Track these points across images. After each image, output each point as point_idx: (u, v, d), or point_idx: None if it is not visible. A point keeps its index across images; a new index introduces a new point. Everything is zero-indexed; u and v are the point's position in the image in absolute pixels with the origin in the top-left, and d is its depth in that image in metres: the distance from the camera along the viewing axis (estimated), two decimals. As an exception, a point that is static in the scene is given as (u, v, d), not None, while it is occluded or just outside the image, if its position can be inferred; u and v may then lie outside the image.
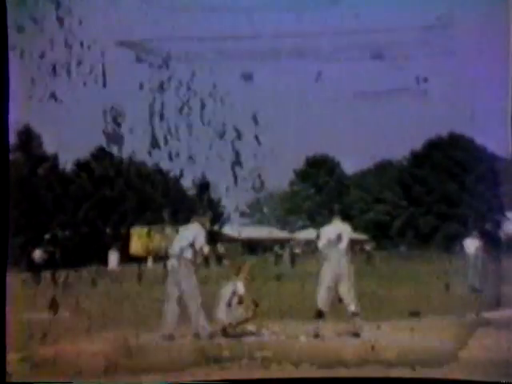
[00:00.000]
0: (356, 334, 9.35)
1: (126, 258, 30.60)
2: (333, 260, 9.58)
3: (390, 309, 12.80)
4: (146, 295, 18.16)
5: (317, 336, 9.27)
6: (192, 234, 9.67)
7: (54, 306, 9.72)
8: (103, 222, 50.97)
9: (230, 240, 56.31)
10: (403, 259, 43.96)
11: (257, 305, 9.66)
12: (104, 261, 35.18)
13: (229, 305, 9.56)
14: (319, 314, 9.39)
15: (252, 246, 56.76)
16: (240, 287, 9.72)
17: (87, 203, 49.60)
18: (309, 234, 61.51)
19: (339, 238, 9.75)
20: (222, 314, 9.48)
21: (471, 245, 21.45)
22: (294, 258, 40.42)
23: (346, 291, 9.50)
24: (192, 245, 9.52)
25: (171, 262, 9.57)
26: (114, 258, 28.70)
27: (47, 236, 46.50)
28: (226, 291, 9.70)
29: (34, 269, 28.13)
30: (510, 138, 6.92)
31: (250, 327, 9.79)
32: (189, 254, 9.41)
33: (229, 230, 59.49)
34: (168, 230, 27.92)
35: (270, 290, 15.74)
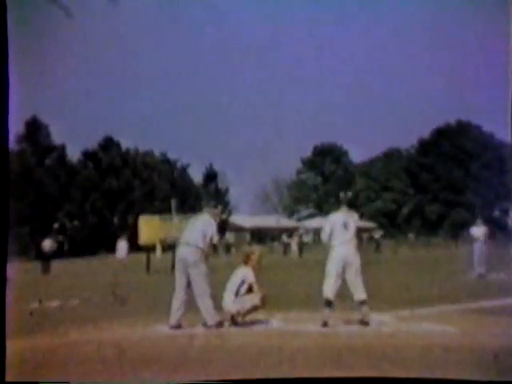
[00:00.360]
0: (364, 323, 9.34)
1: (134, 247, 30.69)
2: (339, 248, 9.54)
3: (398, 296, 12.82)
4: (154, 284, 18.27)
5: (325, 325, 9.26)
6: (203, 224, 9.64)
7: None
8: (111, 212, 51.22)
9: (238, 229, 56.49)
10: (411, 247, 44.12)
11: (265, 295, 9.66)
12: (112, 250, 35.27)
13: (236, 293, 9.54)
14: (327, 303, 9.38)
15: (260, 235, 56.97)
16: (250, 275, 9.69)
17: (95, 193, 49.74)
18: (316, 222, 61.71)
19: (345, 225, 9.69)
20: (230, 303, 9.47)
21: (478, 232, 21.31)
22: (301, 247, 40.53)
23: (353, 279, 9.47)
24: (203, 235, 9.50)
25: (180, 251, 9.56)
26: (122, 247, 28.80)
27: (55, 225, 46.74)
28: (235, 279, 9.69)
29: (44, 258, 28.26)
30: (510, 127, 6.85)
31: (259, 316, 9.80)
32: (199, 244, 9.40)
33: (236, 218, 59.76)
34: (176, 219, 28.04)
35: (279, 279, 15.80)
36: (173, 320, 9.29)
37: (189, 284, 9.37)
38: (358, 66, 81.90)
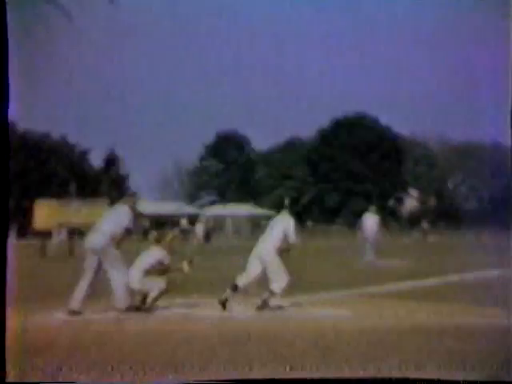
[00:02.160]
0: (264, 305, 9.55)
1: (30, 232, 29.72)
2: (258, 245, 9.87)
3: (295, 283, 13.16)
4: (49, 270, 17.78)
5: (224, 303, 9.42)
6: (118, 213, 9.57)
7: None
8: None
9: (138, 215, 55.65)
10: (309, 235, 45.00)
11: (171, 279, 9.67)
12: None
13: (146, 273, 9.42)
14: (234, 288, 9.60)
15: (160, 222, 56.42)
16: (166, 258, 9.64)
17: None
18: (217, 210, 61.82)
19: (272, 227, 10.06)
20: (136, 281, 9.32)
21: (369, 220, 21.44)
22: (208, 233, 40.55)
23: (271, 269, 9.73)
24: (115, 224, 9.40)
25: (88, 238, 9.39)
26: (12, 232, 27.85)
27: None
28: (147, 258, 9.57)
29: None
30: (509, 132, 7.13)
31: (161, 303, 9.78)
32: (109, 232, 9.27)
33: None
34: (74, 203, 27.35)
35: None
36: (72, 306, 9.11)
37: (98, 270, 9.26)
38: (265, 57, 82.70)
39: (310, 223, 56.64)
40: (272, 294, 9.65)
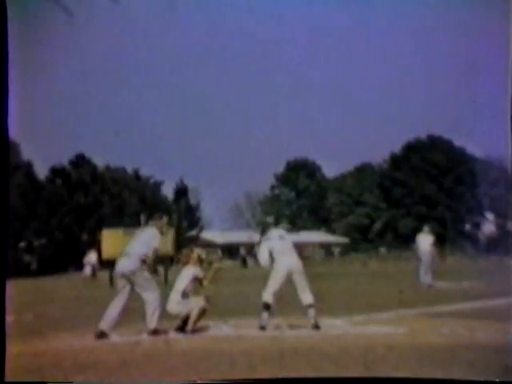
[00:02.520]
0: (316, 327, 9.30)
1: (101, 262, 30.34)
2: (282, 258, 9.68)
3: (356, 303, 12.87)
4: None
5: (263, 328, 9.29)
6: (147, 236, 9.59)
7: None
8: (79, 229, 50.43)
9: (209, 245, 56.07)
10: (381, 260, 44.17)
11: (208, 295, 9.62)
12: (81, 267, 34.97)
13: (183, 294, 9.44)
14: (266, 307, 9.44)
15: (231, 251, 56.62)
16: (198, 271, 9.67)
17: (62, 209, 48.89)
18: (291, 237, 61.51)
19: (281, 237, 9.98)
20: (175, 305, 9.35)
21: (424, 241, 20.07)
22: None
23: (300, 285, 9.54)
24: (146, 247, 9.43)
25: (119, 262, 9.40)
26: (88, 263, 28.57)
27: (22, 244, 45.97)
28: (182, 280, 9.60)
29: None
30: (509, 141, 6.87)
31: (210, 322, 9.75)
32: (140, 255, 9.29)
33: (208, 234, 59.44)
34: (138, 231, 27.42)
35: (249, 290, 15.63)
36: (104, 325, 9.11)
37: (130, 293, 9.28)
38: (330, 81, 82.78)
39: (382, 249, 55.65)
40: (311, 306, 9.44)
